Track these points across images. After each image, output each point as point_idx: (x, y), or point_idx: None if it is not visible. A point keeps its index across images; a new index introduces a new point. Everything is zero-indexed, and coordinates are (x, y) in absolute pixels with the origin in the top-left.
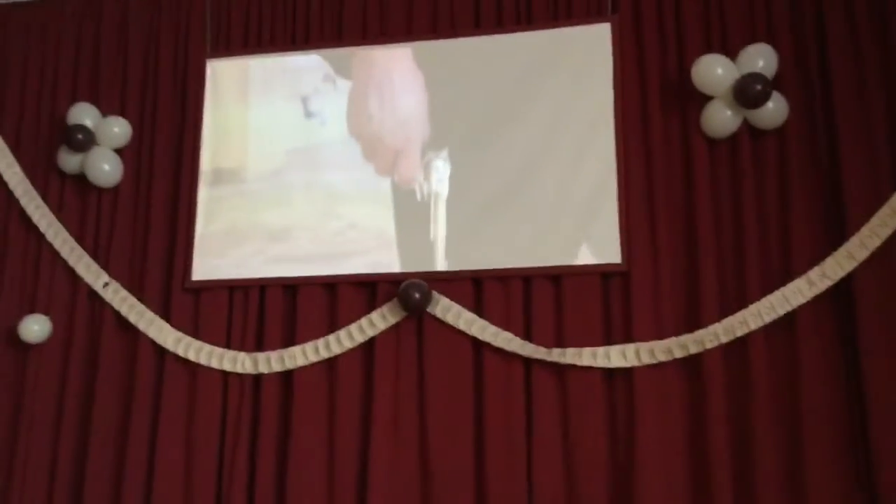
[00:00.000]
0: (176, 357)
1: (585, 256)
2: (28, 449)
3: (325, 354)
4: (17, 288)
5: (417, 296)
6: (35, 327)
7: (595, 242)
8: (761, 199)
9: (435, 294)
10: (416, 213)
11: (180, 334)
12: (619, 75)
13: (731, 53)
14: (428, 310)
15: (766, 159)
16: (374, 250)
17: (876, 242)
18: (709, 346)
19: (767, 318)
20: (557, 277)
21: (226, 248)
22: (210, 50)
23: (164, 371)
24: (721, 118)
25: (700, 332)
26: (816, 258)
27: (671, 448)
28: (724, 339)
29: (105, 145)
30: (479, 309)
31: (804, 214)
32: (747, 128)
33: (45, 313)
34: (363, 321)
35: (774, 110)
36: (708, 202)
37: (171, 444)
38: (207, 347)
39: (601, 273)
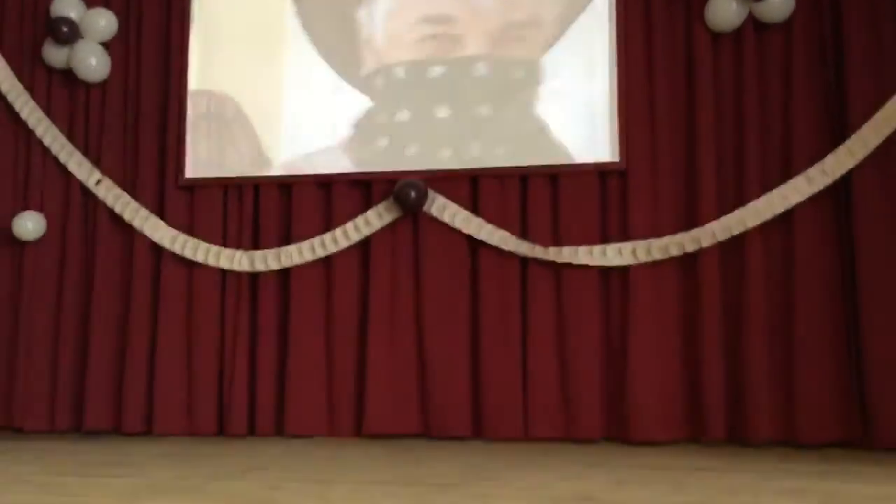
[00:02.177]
0: (173, 255)
1: (582, 154)
2: (29, 346)
3: (321, 253)
4: (10, 186)
5: (414, 194)
6: (29, 224)
7: (592, 140)
8: (764, 96)
9: (431, 193)
10: (413, 110)
11: (176, 232)
12: None
13: None
14: (424, 208)
15: (770, 54)
16: (370, 145)
17: (877, 140)
18: (706, 244)
19: (765, 217)
20: (554, 176)
21: (219, 146)
22: None
23: (161, 268)
24: (726, 11)
25: (697, 231)
26: (817, 156)
27: (665, 344)
28: (721, 238)
29: (91, 38)
30: (475, 208)
31: (806, 111)
32: (752, 21)
33: (39, 211)
34: (359, 220)
35: (781, 3)
36: (709, 98)
37: (170, 342)
38: (204, 245)
39: (598, 171)
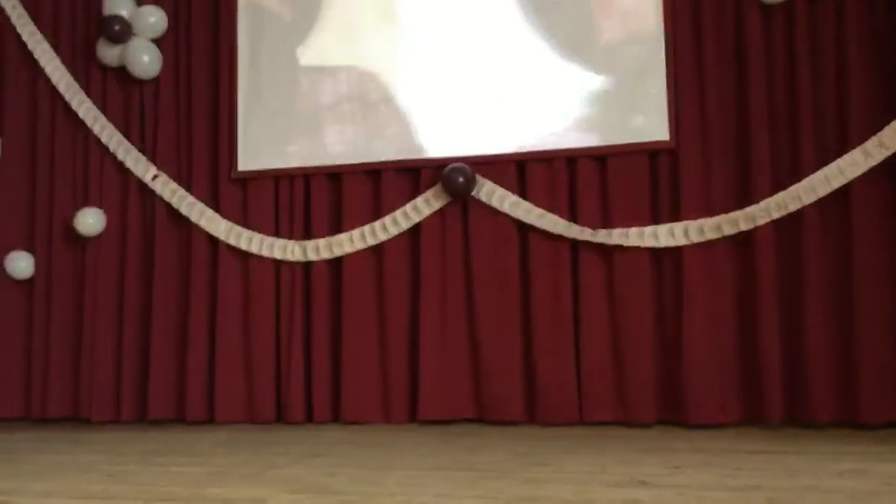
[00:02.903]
0: (228, 246)
1: (632, 134)
2: (93, 339)
3: (371, 241)
4: (70, 183)
5: (461, 180)
6: (90, 220)
7: (642, 119)
8: (818, 68)
9: (479, 178)
10: (458, 95)
11: (231, 224)
12: None
13: None
14: (472, 194)
15: (823, 26)
16: (418, 134)
17: None
18: (760, 222)
19: (822, 192)
20: (602, 158)
21: (270, 138)
22: None
23: (218, 260)
24: None
25: (751, 208)
26: (874, 128)
27: (720, 326)
28: (776, 215)
29: (142, 36)
30: (523, 192)
31: (862, 83)
32: None
33: (99, 207)
34: (408, 207)
35: None
36: (761, 73)
37: (229, 331)
38: (258, 236)
39: (648, 151)
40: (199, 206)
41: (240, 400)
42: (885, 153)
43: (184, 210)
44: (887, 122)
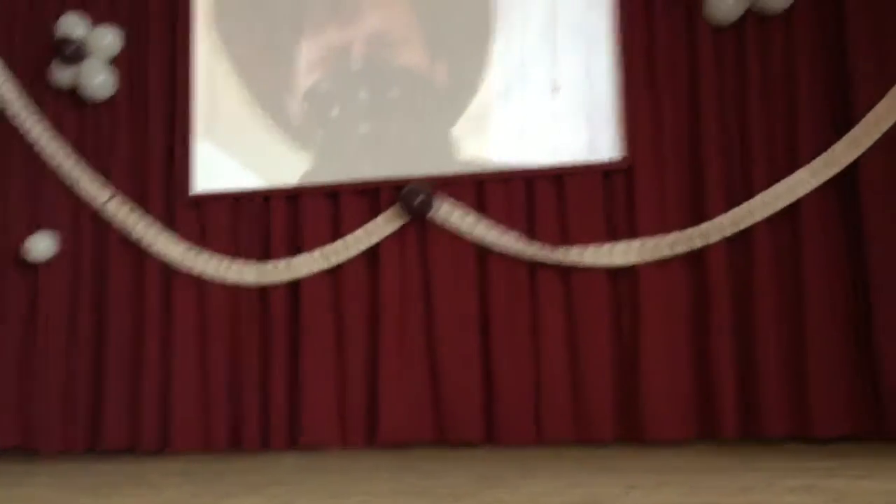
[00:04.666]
0: (183, 270)
1: (587, 154)
2: (45, 366)
3: (329, 262)
4: (22, 207)
5: (420, 199)
6: (41, 245)
7: (598, 139)
8: (767, 88)
9: (437, 198)
10: (415, 115)
11: (186, 247)
12: None
13: None
14: (431, 213)
15: (771, 46)
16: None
17: (882, 129)
18: (713, 239)
19: (773, 209)
20: (559, 177)
21: (225, 158)
22: None
23: (173, 284)
24: (725, 4)
25: (705, 225)
26: (822, 147)
27: (675, 343)
28: (730, 232)
29: (97, 56)
30: (481, 211)
31: (810, 102)
32: (752, 13)
33: (51, 230)
34: (366, 227)
35: None
36: (713, 92)
37: (184, 357)
38: (214, 259)
39: (604, 170)
40: (154, 228)
41: (195, 428)
42: (833, 171)
43: (138, 233)
44: (835, 141)
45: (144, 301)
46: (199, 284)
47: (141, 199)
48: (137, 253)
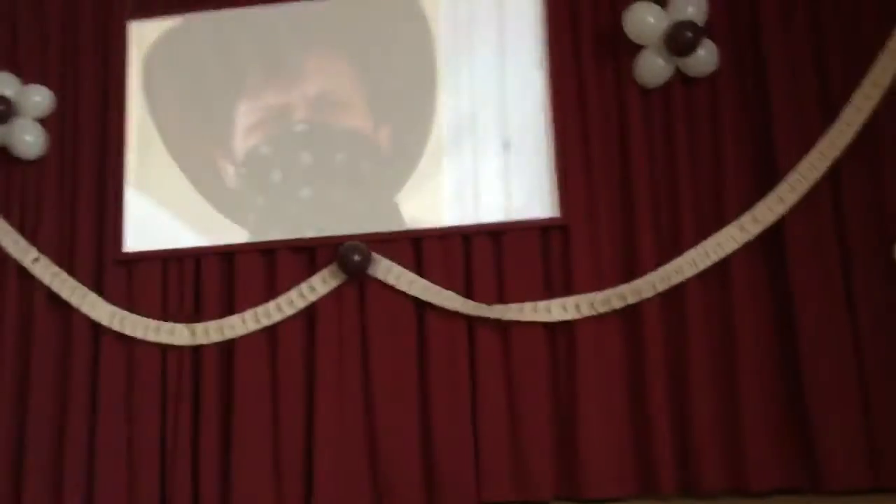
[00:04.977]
0: (112, 332)
1: (523, 211)
2: None
3: (265, 322)
4: None
5: (357, 258)
6: None
7: (533, 197)
8: (694, 148)
9: (375, 255)
10: (352, 173)
11: (115, 308)
12: (550, 26)
13: (662, 1)
14: (368, 272)
15: (698, 107)
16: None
17: (805, 186)
18: (646, 295)
19: (702, 266)
20: (497, 233)
21: (157, 218)
22: (132, 11)
23: (101, 347)
24: (653, 67)
25: (637, 282)
26: (748, 204)
27: (612, 398)
28: (661, 288)
29: (27, 115)
30: (419, 269)
31: (736, 161)
32: (679, 76)
33: None
34: (303, 286)
35: (705, 57)
36: (642, 152)
37: (111, 421)
38: (143, 321)
39: (540, 227)
40: (81, 289)
41: (121, 494)
42: (760, 228)
43: (65, 294)
44: (760, 198)
45: (70, 364)
46: (129, 346)
47: (70, 258)
48: (64, 315)
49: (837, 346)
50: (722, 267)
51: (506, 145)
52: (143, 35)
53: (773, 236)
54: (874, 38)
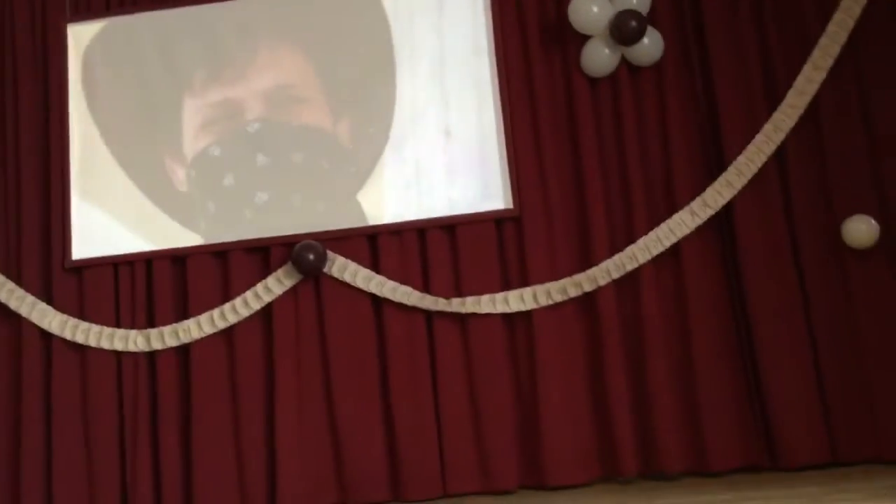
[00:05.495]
0: (63, 341)
1: (477, 204)
2: None
3: (221, 325)
4: None
5: (312, 257)
6: None
7: (486, 190)
8: (643, 135)
9: (330, 254)
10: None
11: (66, 317)
12: (497, 19)
13: None
14: (324, 270)
15: (645, 95)
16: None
17: (753, 169)
18: (601, 282)
19: (655, 252)
20: (451, 227)
21: (106, 223)
22: (70, 13)
23: (52, 356)
24: (599, 56)
25: (592, 270)
26: (698, 189)
27: (573, 385)
28: (616, 275)
29: None
30: (375, 265)
31: (685, 147)
32: (626, 65)
33: None
34: (258, 287)
35: (650, 46)
36: (593, 141)
37: (67, 432)
38: (96, 328)
39: (494, 219)
40: (30, 299)
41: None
42: (710, 212)
43: (13, 304)
44: (709, 183)
45: (21, 376)
46: (82, 355)
47: (16, 268)
48: (13, 325)
49: (790, 324)
50: (675, 252)
51: (447, 133)
52: (81, 39)
53: (723, 220)
54: (816, 24)
